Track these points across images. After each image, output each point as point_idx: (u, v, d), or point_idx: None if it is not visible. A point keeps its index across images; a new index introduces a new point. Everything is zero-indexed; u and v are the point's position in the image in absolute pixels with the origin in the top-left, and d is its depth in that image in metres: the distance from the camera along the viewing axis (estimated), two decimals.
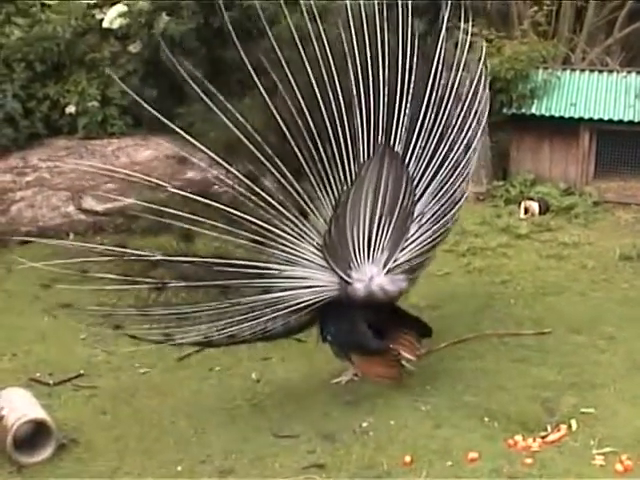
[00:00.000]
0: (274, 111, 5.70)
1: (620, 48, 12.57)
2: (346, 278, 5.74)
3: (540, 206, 9.62)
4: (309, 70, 5.79)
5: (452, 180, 6.27)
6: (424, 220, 6.10)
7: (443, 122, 6.23)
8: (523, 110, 10.29)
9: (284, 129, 5.70)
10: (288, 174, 5.71)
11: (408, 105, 6.09)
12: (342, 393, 5.89)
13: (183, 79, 5.60)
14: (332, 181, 5.82)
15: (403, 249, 5.93)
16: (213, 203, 5.60)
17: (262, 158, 5.66)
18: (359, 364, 5.95)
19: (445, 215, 6.24)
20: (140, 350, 6.60)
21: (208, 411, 5.72)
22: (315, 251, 5.80)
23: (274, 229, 5.71)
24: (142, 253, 5.55)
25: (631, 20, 12.31)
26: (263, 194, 5.69)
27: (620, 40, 12.47)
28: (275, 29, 10.74)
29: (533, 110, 10.28)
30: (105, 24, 11.03)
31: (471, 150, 6.45)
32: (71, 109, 10.79)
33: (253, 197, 5.67)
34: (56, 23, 10.84)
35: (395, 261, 5.86)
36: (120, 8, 10.93)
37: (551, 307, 7.24)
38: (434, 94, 6.20)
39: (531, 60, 10.46)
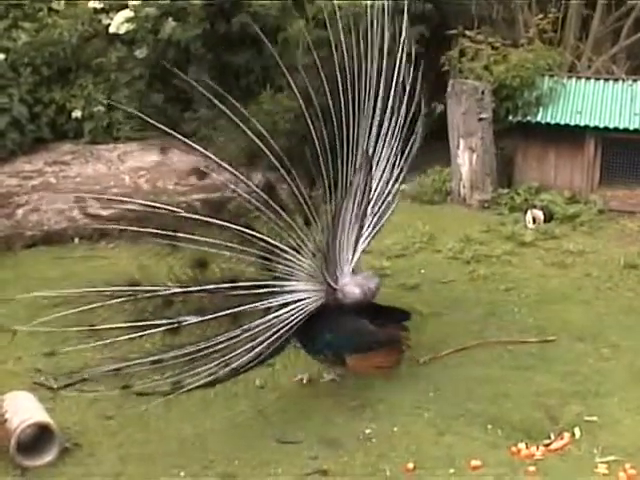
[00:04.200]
0: (307, 116, 5.65)
1: (626, 56, 12.56)
2: (334, 285, 5.78)
3: (544, 214, 9.62)
4: (330, 76, 5.82)
5: (391, 183, 6.41)
6: (372, 219, 6.22)
7: (392, 126, 6.30)
8: (529, 118, 10.28)
9: (313, 135, 5.65)
10: (302, 183, 5.65)
11: (379, 112, 6.17)
12: (345, 399, 5.89)
13: (192, 87, 5.56)
14: (334, 189, 5.81)
15: (358, 248, 6.05)
16: (227, 224, 5.45)
17: (281, 167, 5.55)
18: (355, 363, 5.88)
19: (383, 216, 6.38)
20: None
21: (211, 417, 5.72)
22: (308, 262, 5.78)
23: (279, 243, 5.64)
24: (156, 288, 5.27)
25: (637, 28, 12.30)
26: (276, 206, 5.59)
27: (626, 48, 12.45)
28: (281, 35, 10.85)
29: (539, 118, 10.26)
30: (112, 29, 11.09)
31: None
32: (77, 114, 10.85)
33: (266, 210, 5.57)
34: (63, 28, 10.90)
35: (354, 261, 5.98)
36: (127, 13, 10.99)
37: (555, 315, 7.23)
38: (391, 100, 6.26)
39: (537, 68, 10.45)
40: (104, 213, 9.10)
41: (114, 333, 5.14)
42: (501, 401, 5.82)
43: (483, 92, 10.07)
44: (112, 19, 11.14)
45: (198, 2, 10.75)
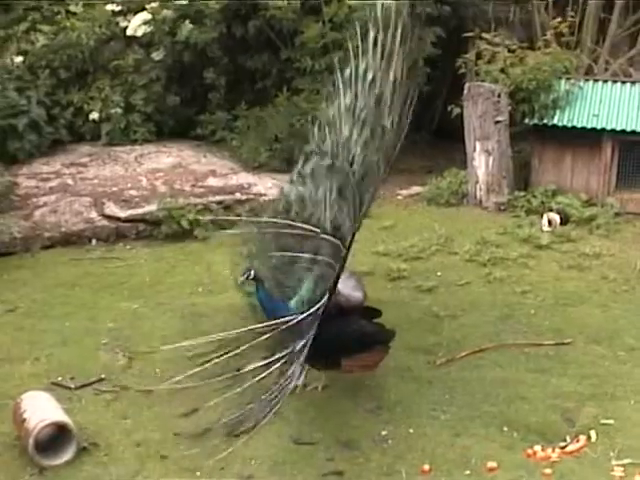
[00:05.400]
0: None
1: None
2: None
3: (561, 217, 9.60)
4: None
5: None
6: None
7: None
8: (545, 120, 10.26)
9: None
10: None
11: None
12: (362, 401, 5.90)
13: None
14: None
15: None
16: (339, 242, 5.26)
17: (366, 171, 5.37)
18: (350, 363, 5.73)
19: None
20: (160, 355, 6.64)
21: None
22: None
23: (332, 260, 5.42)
24: (287, 319, 5.12)
25: None
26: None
27: None
28: (298, 38, 10.89)
29: (555, 120, 10.24)
30: (129, 32, 11.17)
31: None
32: (94, 116, 10.92)
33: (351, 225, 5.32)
34: (81, 30, 10.99)
35: None
36: (144, 16, 11.07)
37: (571, 318, 7.22)
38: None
39: (554, 70, 10.42)
40: (121, 214, 9.17)
41: (255, 373, 5.00)
42: (517, 403, 5.82)
43: (500, 95, 10.05)
44: (129, 22, 11.21)
45: (215, 5, 10.81)
